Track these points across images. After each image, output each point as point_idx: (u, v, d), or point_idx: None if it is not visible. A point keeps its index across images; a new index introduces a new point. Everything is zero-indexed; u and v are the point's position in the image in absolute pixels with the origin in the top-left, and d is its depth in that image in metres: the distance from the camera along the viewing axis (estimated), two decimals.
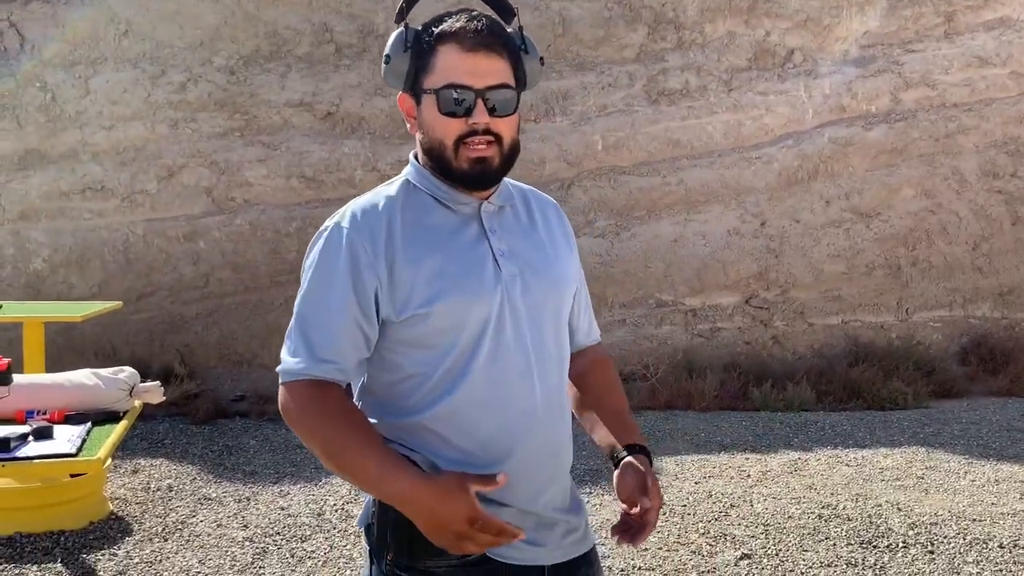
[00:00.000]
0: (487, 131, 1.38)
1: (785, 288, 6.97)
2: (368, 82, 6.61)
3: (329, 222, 1.45)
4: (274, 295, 6.51)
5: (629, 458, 1.46)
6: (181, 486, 4.47)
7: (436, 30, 1.41)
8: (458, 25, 1.39)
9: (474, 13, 1.43)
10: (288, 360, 1.41)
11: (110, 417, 2.88)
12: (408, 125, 1.49)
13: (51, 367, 4.73)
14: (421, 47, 1.42)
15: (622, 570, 3.49)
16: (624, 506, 1.44)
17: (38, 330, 4.52)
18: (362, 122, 6.64)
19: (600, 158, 6.82)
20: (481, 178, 1.42)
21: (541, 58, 1.48)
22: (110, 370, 2.93)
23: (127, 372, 2.94)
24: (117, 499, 4.25)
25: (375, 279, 1.39)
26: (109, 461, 4.23)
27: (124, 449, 4.99)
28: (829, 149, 7.03)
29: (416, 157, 1.51)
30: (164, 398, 3.23)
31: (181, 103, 6.47)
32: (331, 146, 6.57)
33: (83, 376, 2.88)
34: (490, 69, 1.38)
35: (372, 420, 1.45)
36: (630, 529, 1.43)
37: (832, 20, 7.06)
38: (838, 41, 7.15)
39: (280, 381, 1.41)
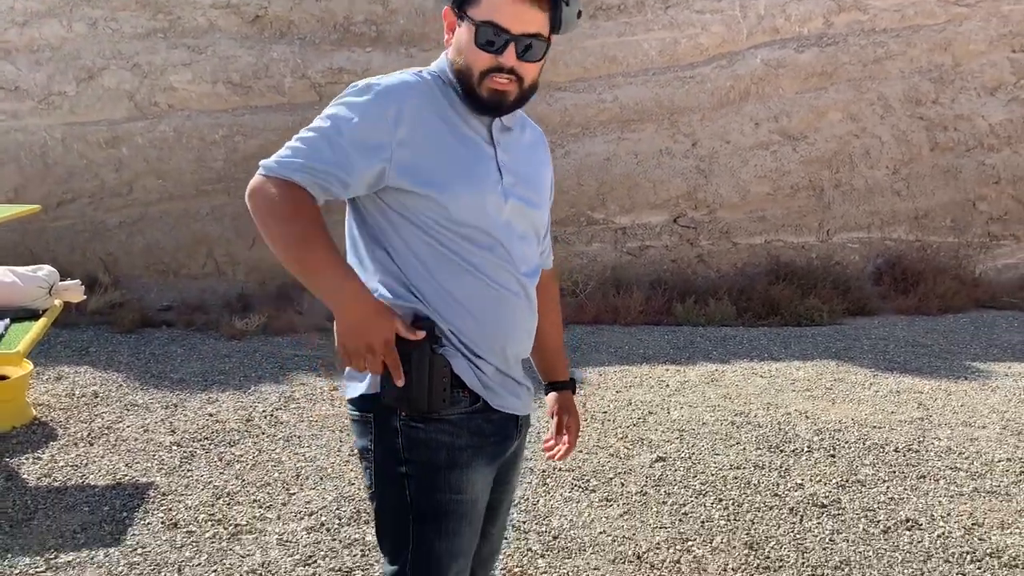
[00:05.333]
0: (512, 71, 1.53)
1: (712, 208, 7.12)
2: None
3: (361, 82, 1.56)
4: (200, 204, 6.37)
5: (554, 394, 1.93)
6: (107, 393, 4.46)
7: None
8: None
9: None
10: (282, 158, 1.50)
11: (29, 315, 2.84)
12: (445, 37, 1.60)
13: None
14: None
15: (543, 471, 3.65)
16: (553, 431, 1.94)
17: None
18: (291, 26, 6.44)
19: None
20: (495, 109, 1.57)
21: (579, 11, 1.59)
22: (28, 268, 2.88)
23: (46, 270, 2.89)
24: (41, 405, 4.22)
25: (392, 139, 1.51)
26: (32, 367, 4.18)
27: (47, 357, 4.93)
28: (761, 70, 7.11)
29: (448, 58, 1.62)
30: (84, 297, 3.19)
31: (100, 0, 6.17)
32: (259, 51, 6.38)
33: None
34: (530, 18, 1.51)
35: (398, 288, 1.59)
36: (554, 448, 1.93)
37: None
38: None
39: (262, 172, 1.51)
